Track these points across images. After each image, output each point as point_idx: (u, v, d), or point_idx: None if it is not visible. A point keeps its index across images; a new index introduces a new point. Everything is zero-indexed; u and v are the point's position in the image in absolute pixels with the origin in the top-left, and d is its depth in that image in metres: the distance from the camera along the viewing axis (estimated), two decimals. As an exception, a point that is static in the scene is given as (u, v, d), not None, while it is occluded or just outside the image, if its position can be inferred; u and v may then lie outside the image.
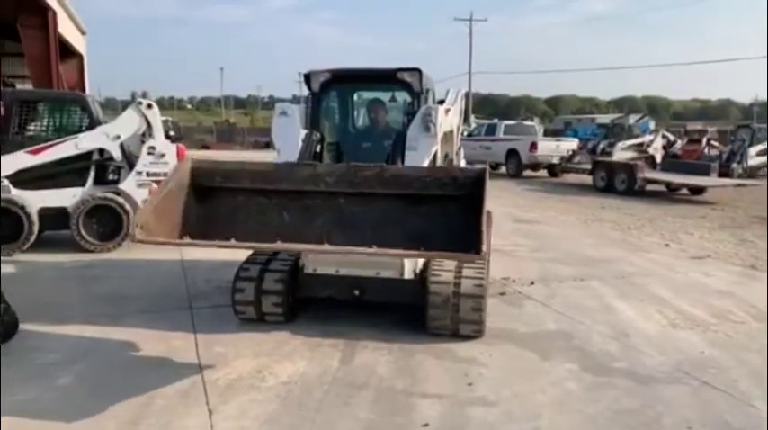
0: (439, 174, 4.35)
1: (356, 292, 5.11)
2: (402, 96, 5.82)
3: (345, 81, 5.79)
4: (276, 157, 5.14)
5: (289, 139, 5.17)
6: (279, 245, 4.07)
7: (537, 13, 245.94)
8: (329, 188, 4.27)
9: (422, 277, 5.18)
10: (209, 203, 4.38)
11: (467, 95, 50.02)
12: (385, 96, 6.06)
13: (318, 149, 5.54)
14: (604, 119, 38.74)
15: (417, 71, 5.49)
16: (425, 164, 5.04)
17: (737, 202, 14.86)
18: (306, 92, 6.12)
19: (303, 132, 5.33)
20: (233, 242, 3.93)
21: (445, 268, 5.07)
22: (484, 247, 3.49)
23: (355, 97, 6.30)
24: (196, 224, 4.27)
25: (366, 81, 6.01)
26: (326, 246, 3.97)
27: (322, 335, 5.04)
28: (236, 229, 4.32)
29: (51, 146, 8.10)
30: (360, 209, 4.30)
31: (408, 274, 5.11)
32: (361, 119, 6.52)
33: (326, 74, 5.51)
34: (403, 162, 5.04)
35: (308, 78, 5.58)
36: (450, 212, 4.20)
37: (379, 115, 6.05)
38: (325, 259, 5.08)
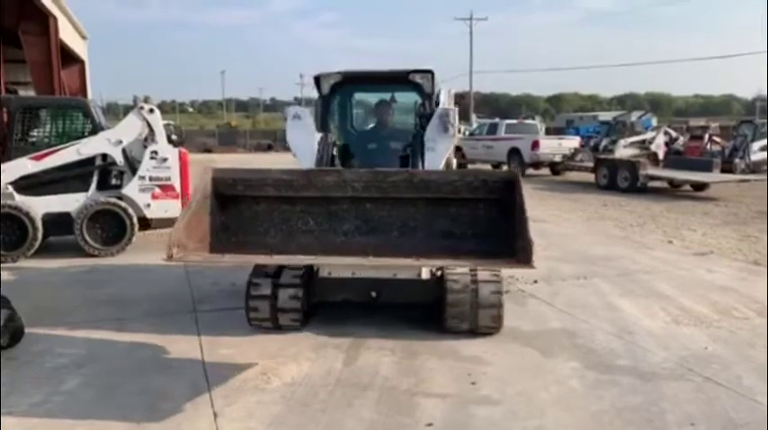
0: (469, 178, 4.36)
1: (373, 294, 4.98)
2: (411, 98, 5.78)
3: (355, 83, 5.76)
4: (293, 162, 5.08)
5: (304, 144, 5.12)
6: (318, 258, 4.03)
7: (537, 12, 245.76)
8: (356, 194, 4.28)
9: (438, 276, 5.15)
10: (234, 213, 4.37)
11: (468, 95, 50.06)
12: (395, 98, 6.02)
13: (335, 152, 5.52)
14: (607, 116, 38.65)
15: (430, 72, 5.50)
16: (443, 164, 5.11)
17: (741, 198, 14.83)
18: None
19: (318, 136, 5.29)
20: (274, 257, 3.95)
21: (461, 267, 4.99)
22: (534, 257, 3.45)
23: (365, 99, 6.26)
24: (222, 236, 4.28)
25: (376, 82, 5.97)
26: (371, 259, 3.95)
27: (326, 336, 5.06)
28: (264, 240, 4.35)
29: (54, 152, 8.15)
30: (388, 214, 4.31)
31: (425, 274, 5.07)
32: (370, 120, 6.48)
33: (337, 76, 5.49)
34: (423, 163, 5.08)
35: (317, 80, 5.54)
36: (480, 216, 4.26)
37: (388, 117, 6.00)
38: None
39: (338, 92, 5.72)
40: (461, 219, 4.29)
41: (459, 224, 4.30)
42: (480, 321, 4.97)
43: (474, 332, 5.01)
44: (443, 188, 4.29)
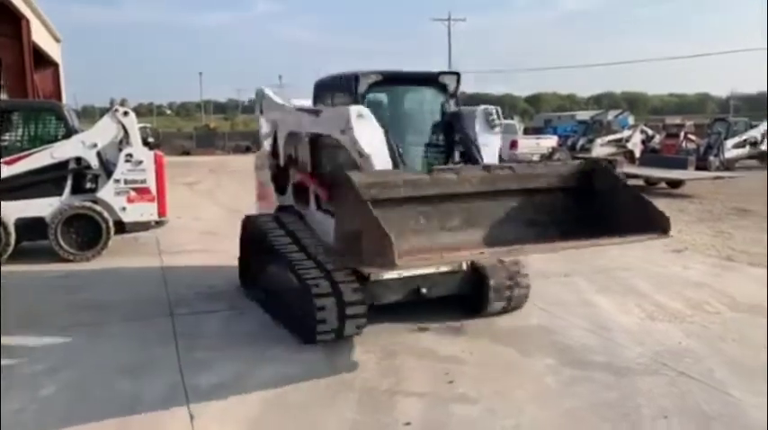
0: (562, 169, 4.92)
1: (423, 290, 5.21)
2: (435, 97, 5.80)
3: (388, 83, 5.72)
4: (364, 164, 4.87)
5: (377, 143, 4.97)
6: (523, 247, 4.23)
7: (516, 13, 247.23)
8: (474, 189, 4.53)
9: (472, 266, 5.48)
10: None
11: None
12: (418, 97, 5.97)
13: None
14: (584, 115, 39.02)
15: (456, 74, 5.73)
16: (497, 159, 5.46)
17: (715, 195, 15.04)
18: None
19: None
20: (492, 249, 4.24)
21: None
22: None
23: (394, 98, 6.07)
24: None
25: (407, 83, 5.95)
26: (556, 244, 4.28)
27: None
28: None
29: (27, 155, 8.02)
30: (493, 207, 4.61)
31: (465, 265, 5.38)
32: (398, 119, 6.42)
33: (377, 75, 5.49)
34: (481, 159, 5.35)
35: (356, 79, 5.50)
36: (569, 203, 4.73)
37: (415, 115, 6.03)
38: None
39: (371, 91, 5.68)
40: (553, 206, 4.73)
41: (551, 211, 4.70)
42: (516, 297, 5.58)
43: (509, 307, 5.62)
44: (541, 179, 4.75)
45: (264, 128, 6.89)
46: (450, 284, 5.45)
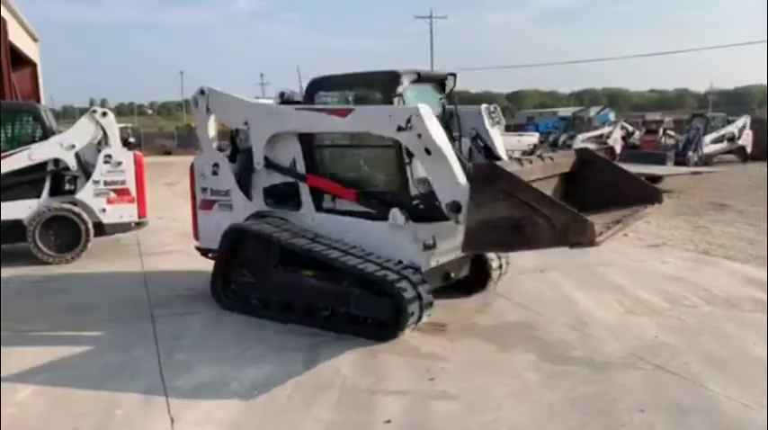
0: (574, 158, 5.70)
1: (453, 275, 5.64)
2: (439, 95, 5.99)
3: (416, 81, 5.78)
4: (434, 160, 4.87)
5: (446, 140, 5.02)
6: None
7: (497, 10, 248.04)
8: (537, 176, 5.00)
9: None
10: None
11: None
12: (431, 95, 5.97)
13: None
14: (566, 112, 39.29)
15: (454, 75, 6.01)
16: (504, 152, 6.02)
17: (693, 190, 15.25)
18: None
19: None
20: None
21: None
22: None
23: (416, 96, 5.95)
24: None
25: (424, 82, 5.99)
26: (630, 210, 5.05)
27: (287, 337, 5.06)
28: None
29: (4, 158, 7.92)
30: (557, 187, 5.34)
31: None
32: None
33: (413, 74, 5.63)
34: (501, 153, 5.99)
35: (397, 77, 5.53)
36: (580, 181, 5.55)
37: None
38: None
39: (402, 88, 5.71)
40: (575, 184, 5.48)
41: (575, 189, 5.44)
42: (505, 265, 6.26)
43: (499, 277, 6.27)
44: (566, 165, 5.49)
45: (213, 130, 6.49)
46: (465, 267, 5.88)
